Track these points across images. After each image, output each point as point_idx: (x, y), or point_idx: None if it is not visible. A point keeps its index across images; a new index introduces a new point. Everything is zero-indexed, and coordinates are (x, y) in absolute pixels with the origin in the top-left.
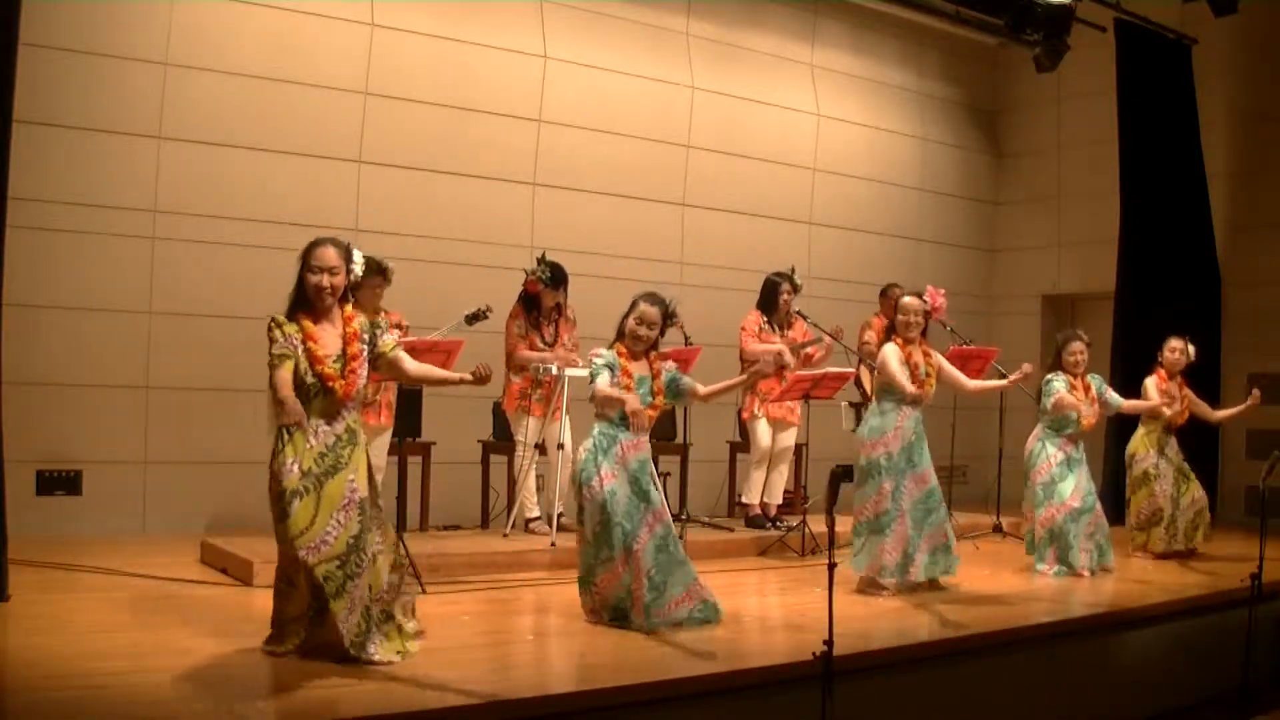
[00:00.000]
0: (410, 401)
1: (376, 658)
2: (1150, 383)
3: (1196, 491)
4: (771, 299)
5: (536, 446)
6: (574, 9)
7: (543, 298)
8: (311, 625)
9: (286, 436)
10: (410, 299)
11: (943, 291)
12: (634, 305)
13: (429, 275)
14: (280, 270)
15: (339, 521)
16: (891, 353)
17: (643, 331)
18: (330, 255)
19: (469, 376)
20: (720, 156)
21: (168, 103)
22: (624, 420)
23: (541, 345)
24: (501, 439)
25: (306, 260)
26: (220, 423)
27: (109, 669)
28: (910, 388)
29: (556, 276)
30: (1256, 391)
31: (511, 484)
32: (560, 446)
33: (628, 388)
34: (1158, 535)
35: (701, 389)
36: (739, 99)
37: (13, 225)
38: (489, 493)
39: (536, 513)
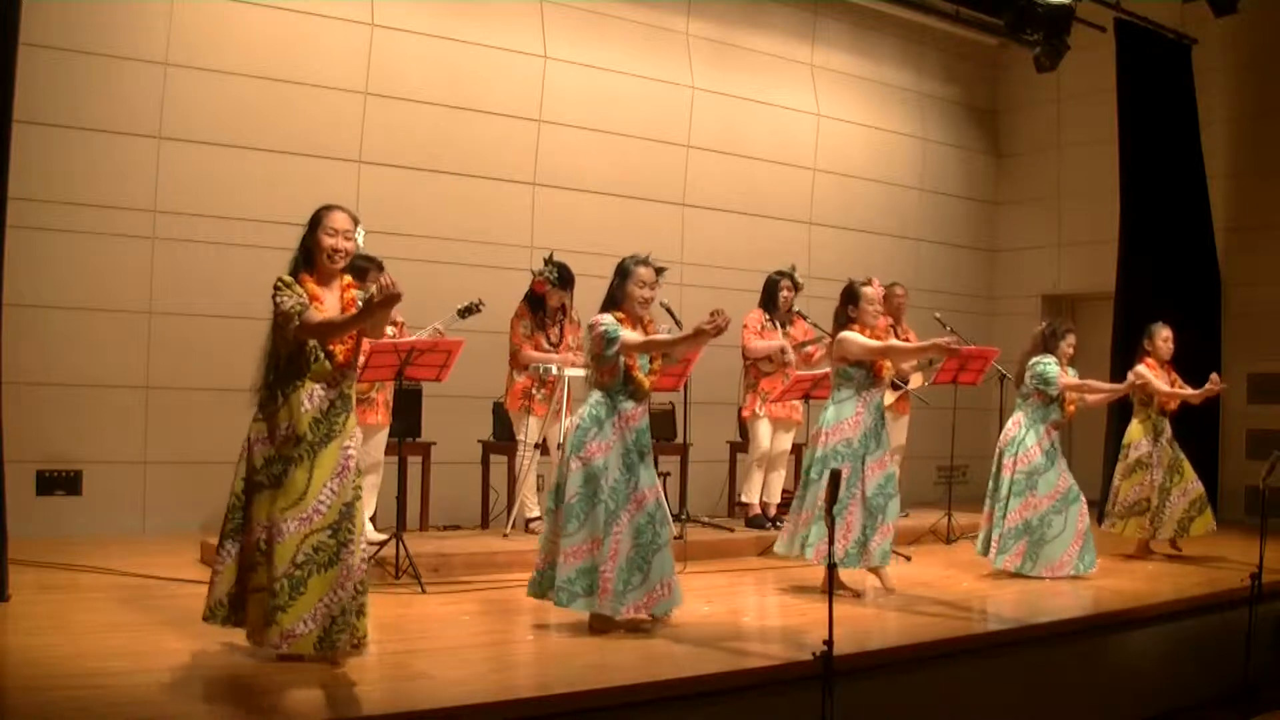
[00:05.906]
0: (410, 401)
1: (344, 644)
2: (1143, 369)
3: (1190, 483)
4: (772, 297)
5: (537, 446)
6: (574, 9)
7: (548, 298)
8: (233, 607)
9: (281, 399)
10: (409, 299)
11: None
12: (626, 270)
13: (429, 275)
14: (280, 270)
15: (332, 489)
16: (853, 333)
17: (646, 293)
18: (345, 219)
19: (375, 297)
20: (720, 156)
21: (168, 103)
22: (625, 388)
23: (547, 346)
24: (502, 439)
25: (320, 222)
26: (220, 423)
27: (109, 669)
28: (874, 344)
29: (564, 277)
30: (1215, 375)
31: (511, 484)
32: (560, 446)
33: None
34: (1135, 524)
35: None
36: (739, 99)
37: (13, 225)
38: (489, 493)
39: (536, 513)
